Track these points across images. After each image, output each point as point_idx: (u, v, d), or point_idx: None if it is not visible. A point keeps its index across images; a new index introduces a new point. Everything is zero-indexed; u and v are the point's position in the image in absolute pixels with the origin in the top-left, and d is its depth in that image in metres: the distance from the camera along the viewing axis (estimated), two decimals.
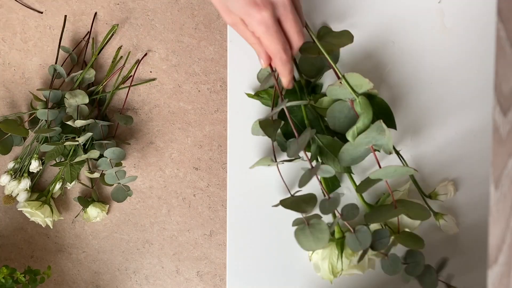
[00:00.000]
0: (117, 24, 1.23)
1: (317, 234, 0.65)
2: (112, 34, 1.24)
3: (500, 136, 0.43)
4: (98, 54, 1.24)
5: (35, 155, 1.20)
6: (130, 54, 1.25)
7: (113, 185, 1.21)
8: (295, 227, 0.67)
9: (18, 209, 1.21)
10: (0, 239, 1.31)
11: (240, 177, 0.73)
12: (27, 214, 1.21)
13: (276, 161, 0.70)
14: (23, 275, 1.16)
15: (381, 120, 0.61)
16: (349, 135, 0.64)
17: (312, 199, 0.68)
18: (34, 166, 1.20)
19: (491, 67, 0.68)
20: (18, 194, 1.21)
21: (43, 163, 1.22)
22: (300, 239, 0.66)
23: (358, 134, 0.63)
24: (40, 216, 1.20)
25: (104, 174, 1.24)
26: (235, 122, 0.73)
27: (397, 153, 0.70)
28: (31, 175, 1.23)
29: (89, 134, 1.17)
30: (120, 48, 1.24)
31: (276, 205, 0.68)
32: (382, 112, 0.69)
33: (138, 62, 1.25)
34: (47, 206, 1.22)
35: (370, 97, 0.66)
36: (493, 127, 0.43)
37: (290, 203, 0.68)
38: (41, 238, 1.30)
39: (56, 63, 1.24)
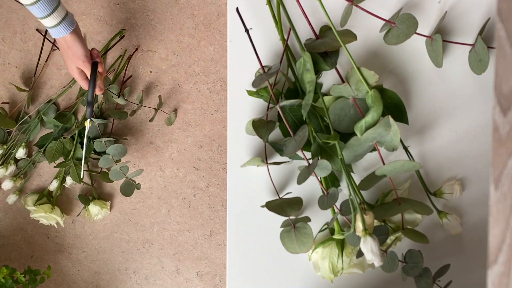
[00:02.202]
0: (124, 29, 1.24)
1: (302, 238, 0.67)
2: (120, 38, 1.25)
3: (500, 136, 0.43)
4: (103, 55, 1.24)
5: (23, 144, 1.21)
6: (126, 51, 1.25)
7: (113, 181, 1.21)
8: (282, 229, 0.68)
9: (32, 217, 1.21)
10: (0, 239, 1.31)
11: (240, 177, 0.73)
12: (43, 220, 1.22)
13: (266, 162, 0.71)
14: (23, 275, 1.16)
15: (390, 116, 0.61)
16: (357, 129, 0.64)
17: (297, 203, 0.69)
18: (21, 153, 1.22)
19: (491, 67, 0.68)
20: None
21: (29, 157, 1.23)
22: (284, 241, 0.68)
23: (366, 129, 0.63)
24: (55, 218, 1.21)
25: (104, 171, 1.24)
26: (235, 122, 0.73)
27: (405, 149, 0.70)
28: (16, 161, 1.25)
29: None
30: (123, 52, 1.24)
31: (263, 207, 0.69)
32: (393, 105, 0.69)
33: (129, 58, 1.25)
34: (57, 207, 1.23)
35: (380, 90, 0.66)
36: (493, 127, 0.43)
37: (274, 206, 0.68)
38: (41, 238, 1.30)
39: (46, 61, 1.24)
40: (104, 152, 1.16)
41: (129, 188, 1.16)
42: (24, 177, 1.26)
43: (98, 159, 1.20)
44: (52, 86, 1.26)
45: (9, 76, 1.27)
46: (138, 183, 1.19)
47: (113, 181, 1.18)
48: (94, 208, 1.24)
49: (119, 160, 1.18)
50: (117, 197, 1.29)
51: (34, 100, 1.27)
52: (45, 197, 1.25)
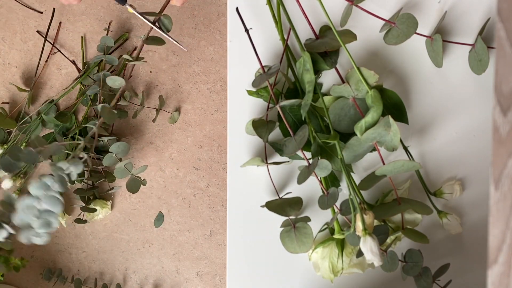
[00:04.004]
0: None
1: (302, 238, 0.67)
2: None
3: (500, 136, 0.43)
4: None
5: (23, 144, 1.21)
6: (128, 53, 1.25)
7: (114, 181, 1.21)
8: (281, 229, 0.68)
9: None
10: None
11: (240, 177, 0.73)
12: None
13: (266, 162, 0.71)
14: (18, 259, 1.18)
15: (390, 116, 0.61)
16: (357, 129, 0.64)
17: (297, 203, 0.69)
18: None
19: (491, 67, 0.68)
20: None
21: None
22: (284, 241, 0.68)
23: (366, 129, 0.63)
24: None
25: (105, 170, 1.24)
26: (235, 122, 0.73)
27: (405, 148, 0.70)
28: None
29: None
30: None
31: (263, 206, 0.69)
32: (393, 105, 0.69)
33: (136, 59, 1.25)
34: None
35: (380, 90, 0.67)
36: (493, 127, 0.43)
37: (275, 206, 0.68)
38: None
39: (40, 60, 1.24)
40: (106, 152, 1.16)
41: (135, 184, 1.16)
42: (24, 177, 1.27)
43: (99, 159, 1.20)
44: (52, 86, 1.26)
45: (9, 76, 1.27)
46: (144, 179, 1.19)
47: (114, 180, 1.18)
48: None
49: (120, 159, 1.18)
50: (117, 197, 1.29)
51: (34, 100, 1.27)
52: None
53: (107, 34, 1.24)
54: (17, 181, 1.24)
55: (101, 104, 1.06)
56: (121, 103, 1.18)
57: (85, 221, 1.26)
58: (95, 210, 1.23)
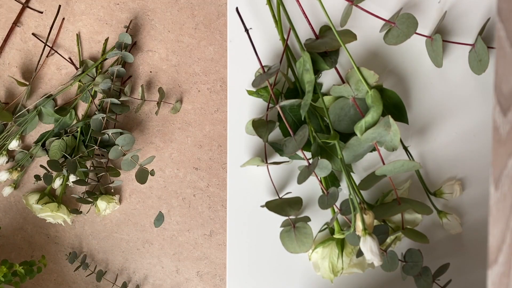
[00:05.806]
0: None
1: (302, 238, 0.67)
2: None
3: (500, 136, 0.43)
4: (105, 60, 1.24)
5: (17, 136, 1.21)
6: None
7: (119, 175, 1.21)
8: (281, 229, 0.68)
9: (39, 216, 1.21)
10: (0, 239, 1.31)
11: (240, 177, 0.73)
12: (50, 219, 1.22)
13: (266, 162, 0.71)
14: (21, 266, 1.18)
15: (389, 116, 0.61)
16: (357, 129, 0.64)
17: (297, 203, 0.69)
18: (14, 145, 1.22)
19: (491, 67, 0.68)
20: None
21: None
22: (284, 241, 0.68)
23: (366, 129, 0.63)
24: (62, 216, 1.22)
25: (109, 166, 1.25)
26: (235, 122, 0.74)
27: (405, 148, 0.70)
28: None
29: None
30: (107, 39, 1.25)
31: (263, 206, 0.69)
32: (393, 105, 0.69)
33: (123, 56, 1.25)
34: (62, 205, 1.24)
35: (380, 90, 0.67)
36: (493, 127, 0.43)
37: (274, 205, 0.68)
38: (41, 238, 1.30)
39: (39, 61, 1.24)
40: (110, 146, 1.17)
41: (144, 175, 1.16)
42: (21, 170, 1.26)
43: (103, 155, 1.20)
44: (52, 86, 1.26)
45: (9, 77, 1.27)
46: (152, 169, 1.19)
47: (118, 175, 1.19)
48: (101, 204, 1.24)
49: (124, 154, 1.18)
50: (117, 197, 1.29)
51: (32, 97, 1.27)
52: (46, 196, 1.25)
53: (126, 32, 1.24)
54: (13, 174, 1.24)
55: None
56: (122, 99, 1.18)
57: (80, 212, 1.26)
58: (90, 202, 1.23)
